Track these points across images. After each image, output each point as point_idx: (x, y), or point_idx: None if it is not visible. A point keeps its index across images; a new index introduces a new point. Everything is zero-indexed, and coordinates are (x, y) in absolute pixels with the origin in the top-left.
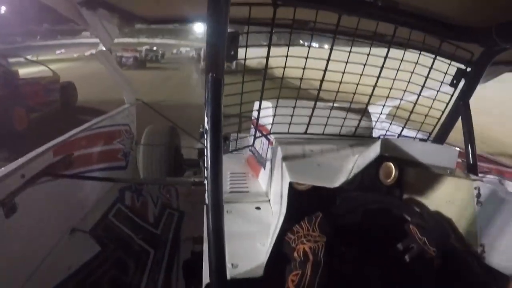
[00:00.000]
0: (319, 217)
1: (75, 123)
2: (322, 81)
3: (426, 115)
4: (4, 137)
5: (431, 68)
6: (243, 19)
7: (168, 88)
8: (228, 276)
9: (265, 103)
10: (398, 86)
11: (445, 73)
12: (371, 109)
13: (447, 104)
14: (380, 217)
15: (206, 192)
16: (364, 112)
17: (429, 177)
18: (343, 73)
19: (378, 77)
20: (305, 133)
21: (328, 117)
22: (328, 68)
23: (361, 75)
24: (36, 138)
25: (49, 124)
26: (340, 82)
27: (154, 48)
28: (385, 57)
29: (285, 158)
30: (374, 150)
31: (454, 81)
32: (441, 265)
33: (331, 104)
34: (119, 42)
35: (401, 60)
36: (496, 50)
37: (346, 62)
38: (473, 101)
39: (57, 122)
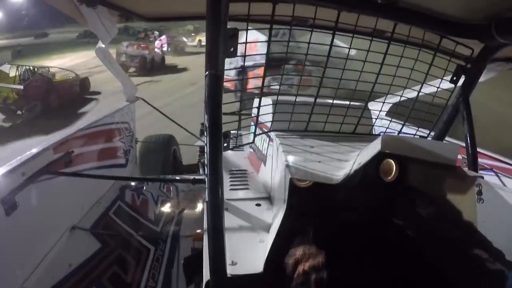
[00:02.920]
0: (310, 233)
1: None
2: (322, 77)
3: (426, 112)
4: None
5: (431, 64)
6: (242, 16)
7: None
8: (228, 273)
9: (265, 100)
10: (398, 83)
11: (445, 70)
12: (371, 106)
13: (448, 100)
14: (381, 214)
15: (207, 189)
16: (364, 109)
17: (430, 173)
18: (343, 69)
19: (378, 74)
20: (305, 130)
21: (328, 115)
22: (328, 64)
23: (361, 71)
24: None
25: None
26: (340, 79)
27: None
28: (385, 54)
29: (285, 155)
30: (374, 147)
31: (454, 78)
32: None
33: (331, 101)
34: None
35: (401, 57)
36: (496, 46)
37: (346, 59)
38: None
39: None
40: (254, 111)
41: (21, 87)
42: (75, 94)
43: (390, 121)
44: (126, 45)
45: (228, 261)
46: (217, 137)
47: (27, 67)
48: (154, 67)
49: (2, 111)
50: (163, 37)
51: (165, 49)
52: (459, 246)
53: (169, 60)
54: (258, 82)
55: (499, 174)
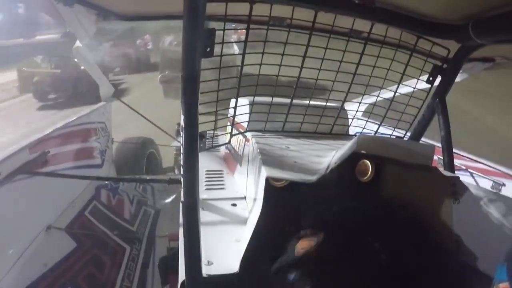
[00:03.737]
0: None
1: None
2: (298, 78)
3: (402, 113)
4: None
5: (407, 64)
6: (219, 16)
7: None
8: (204, 273)
9: (241, 100)
10: (374, 83)
11: (422, 70)
12: (347, 106)
13: (424, 101)
14: (355, 215)
15: (182, 189)
16: (340, 110)
17: (406, 174)
18: (319, 70)
19: (354, 74)
20: (282, 131)
21: (304, 115)
22: (305, 65)
23: (337, 72)
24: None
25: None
26: (317, 79)
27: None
28: (361, 54)
29: (261, 155)
30: (350, 147)
31: (431, 78)
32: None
33: (307, 101)
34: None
35: (377, 57)
36: (472, 46)
37: (323, 59)
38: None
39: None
40: (231, 111)
41: (59, 70)
42: None
43: (367, 121)
44: (109, 46)
45: (203, 261)
46: (193, 137)
47: (58, 57)
48: (139, 65)
49: (35, 94)
50: (147, 36)
51: (149, 47)
52: (435, 246)
53: (155, 58)
54: None
55: (474, 175)
